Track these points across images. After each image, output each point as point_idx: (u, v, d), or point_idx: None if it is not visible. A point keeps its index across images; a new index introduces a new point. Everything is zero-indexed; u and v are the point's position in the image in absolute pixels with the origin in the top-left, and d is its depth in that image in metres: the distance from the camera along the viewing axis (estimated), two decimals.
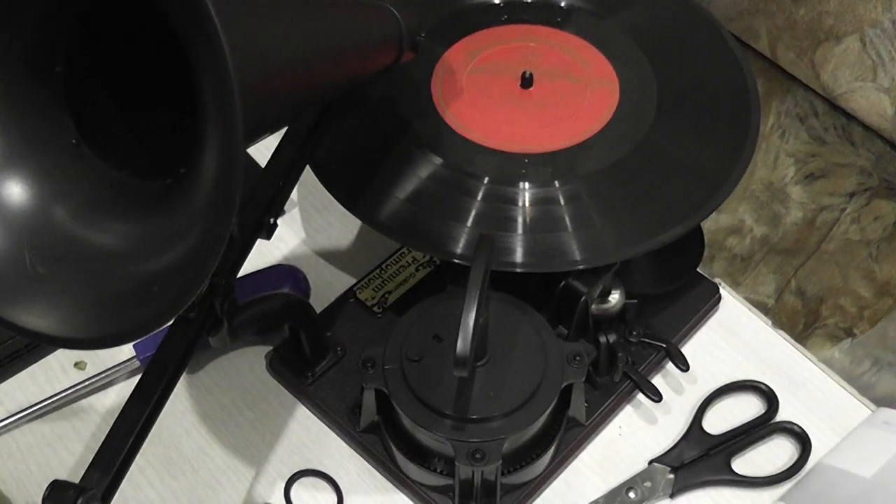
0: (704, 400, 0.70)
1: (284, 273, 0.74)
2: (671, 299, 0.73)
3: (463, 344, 0.56)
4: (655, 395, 0.68)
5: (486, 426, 0.61)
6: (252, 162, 0.77)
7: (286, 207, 0.80)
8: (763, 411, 0.69)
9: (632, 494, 0.66)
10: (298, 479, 0.67)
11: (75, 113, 0.51)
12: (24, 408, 0.69)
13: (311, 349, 0.69)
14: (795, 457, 0.67)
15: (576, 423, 0.67)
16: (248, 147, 0.52)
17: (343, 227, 0.80)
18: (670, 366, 0.71)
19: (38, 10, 0.47)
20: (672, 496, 0.66)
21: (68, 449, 0.68)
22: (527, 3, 0.77)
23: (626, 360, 0.69)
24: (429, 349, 0.63)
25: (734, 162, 0.69)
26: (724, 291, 0.75)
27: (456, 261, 0.65)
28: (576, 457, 0.68)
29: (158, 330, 0.51)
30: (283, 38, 0.48)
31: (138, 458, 0.66)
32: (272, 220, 0.64)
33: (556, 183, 0.68)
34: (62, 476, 0.62)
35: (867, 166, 1.14)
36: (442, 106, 0.72)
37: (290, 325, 0.68)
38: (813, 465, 0.67)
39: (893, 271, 1.14)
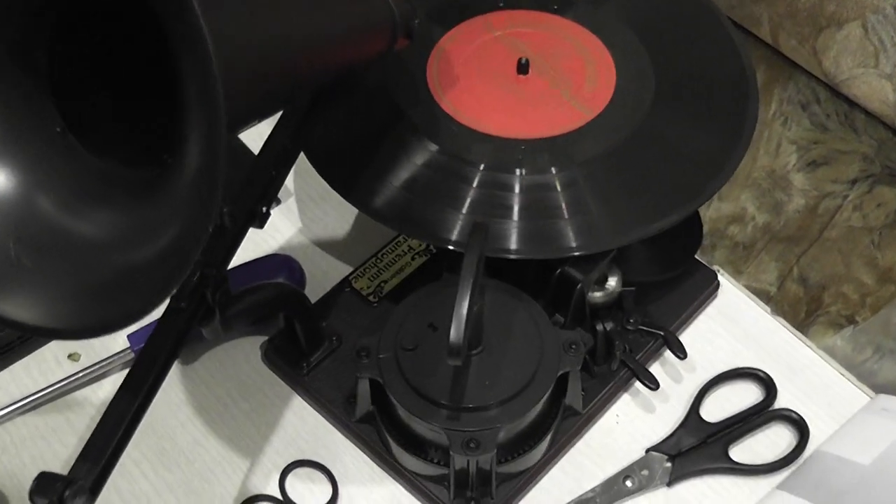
0: (702, 388, 0.69)
1: (279, 263, 0.74)
2: (669, 287, 0.72)
3: (456, 332, 0.55)
4: (652, 384, 0.67)
5: (482, 415, 0.60)
6: (245, 150, 0.77)
7: (282, 197, 0.80)
8: (761, 399, 0.69)
9: (629, 483, 0.65)
10: (293, 469, 0.67)
11: (60, 102, 0.50)
12: (17, 400, 0.69)
13: (307, 339, 0.69)
14: (794, 444, 0.67)
15: (572, 412, 0.67)
16: (233, 135, 0.51)
17: (339, 216, 0.79)
18: (668, 354, 0.70)
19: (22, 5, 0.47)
20: (669, 484, 0.66)
21: (62, 441, 0.68)
22: None
23: (624, 348, 0.68)
24: (424, 338, 0.62)
25: (732, 149, 0.69)
26: (723, 279, 0.75)
27: (451, 248, 0.65)
28: (573, 445, 0.68)
29: (149, 321, 0.51)
30: (268, 26, 0.47)
31: (132, 451, 0.66)
32: (265, 209, 0.63)
33: (553, 169, 0.67)
34: (57, 469, 0.61)
35: (869, 153, 1.13)
36: (438, 92, 0.71)
37: (284, 315, 0.68)
38: (811, 452, 0.66)
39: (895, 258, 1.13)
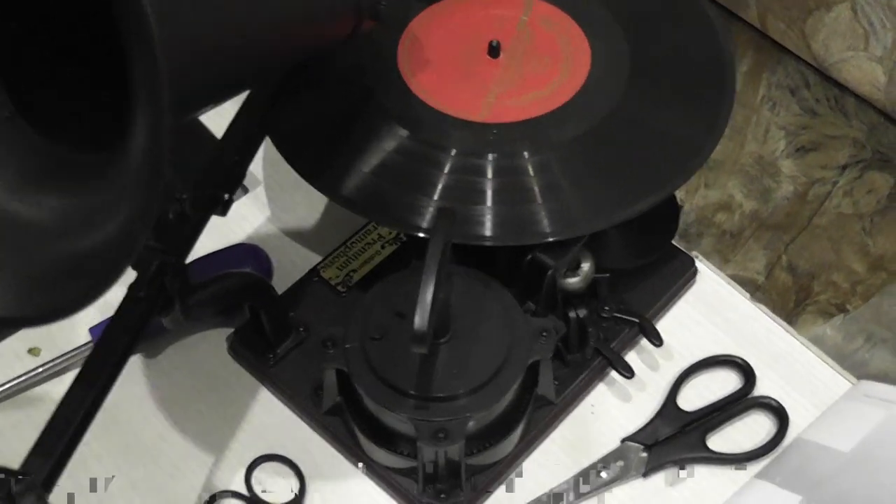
0: (679, 376, 0.69)
1: (246, 252, 0.74)
2: (646, 273, 0.73)
3: (420, 319, 0.55)
4: (627, 372, 0.67)
5: (450, 405, 0.60)
6: (208, 135, 0.77)
7: (250, 186, 0.80)
8: (740, 387, 0.69)
9: (604, 474, 0.66)
10: (260, 464, 0.67)
11: (9, 85, 0.50)
12: None
13: (273, 330, 0.69)
14: (773, 433, 0.67)
15: (545, 402, 0.67)
16: (185, 119, 0.51)
17: (309, 205, 0.79)
18: (645, 342, 0.71)
19: None
20: (645, 475, 0.66)
21: (22, 438, 0.67)
22: None
23: (598, 335, 0.68)
24: (391, 327, 0.62)
25: (709, 131, 0.69)
26: (701, 265, 0.75)
27: (422, 235, 0.64)
28: (546, 437, 0.68)
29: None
30: (217, 4, 0.47)
31: (94, 446, 0.66)
32: (227, 196, 0.63)
33: (525, 153, 0.67)
34: (16, 466, 0.61)
35: (860, 138, 1.13)
36: (409, 76, 0.71)
37: (249, 305, 0.68)
38: (792, 440, 0.66)
39: (887, 245, 1.13)
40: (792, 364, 0.71)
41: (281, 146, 0.69)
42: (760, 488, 0.63)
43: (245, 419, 0.69)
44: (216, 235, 0.76)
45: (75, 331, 0.71)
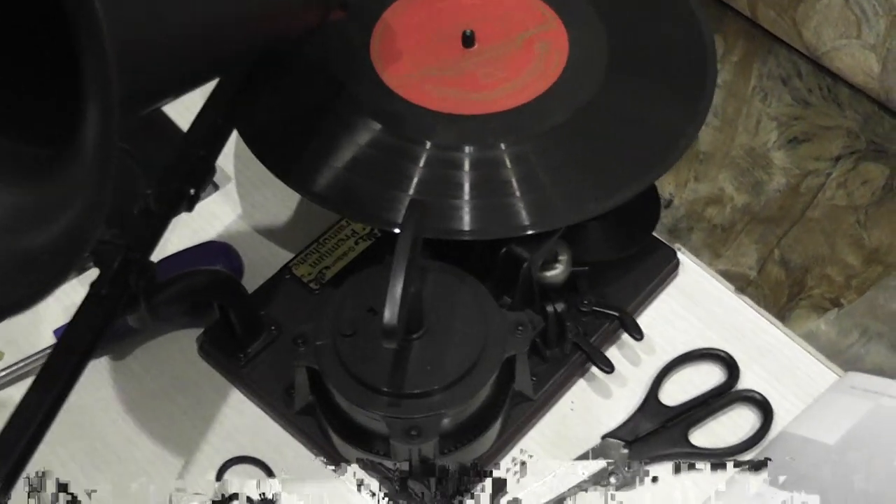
0: (661, 370, 0.70)
1: (216, 250, 0.74)
2: (626, 266, 0.73)
3: (390, 313, 0.56)
4: (607, 367, 0.68)
5: (424, 402, 0.61)
6: (174, 128, 0.77)
7: (220, 182, 0.80)
8: (723, 380, 0.69)
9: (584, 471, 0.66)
10: (231, 466, 0.67)
11: None
12: None
13: (243, 329, 0.69)
14: (757, 427, 0.67)
15: (523, 398, 0.67)
16: (138, 113, 0.52)
17: (281, 202, 0.79)
18: (627, 336, 0.71)
19: None
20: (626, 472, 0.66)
21: None
22: None
23: (577, 330, 0.69)
24: (363, 323, 0.63)
25: (690, 119, 0.69)
26: (684, 257, 0.75)
27: (398, 231, 0.65)
28: (525, 434, 0.68)
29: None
30: None
31: (60, 451, 0.67)
32: (193, 192, 0.64)
33: (502, 145, 0.67)
34: None
35: (854, 128, 1.14)
36: (381, 67, 0.71)
37: (218, 303, 0.68)
38: (776, 434, 0.67)
39: (883, 237, 1.13)
40: (777, 357, 0.71)
41: (250, 141, 0.70)
42: (743, 483, 0.64)
43: (216, 421, 0.69)
44: (186, 233, 0.77)
45: (40, 333, 0.71)
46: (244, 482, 0.66)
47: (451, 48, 0.72)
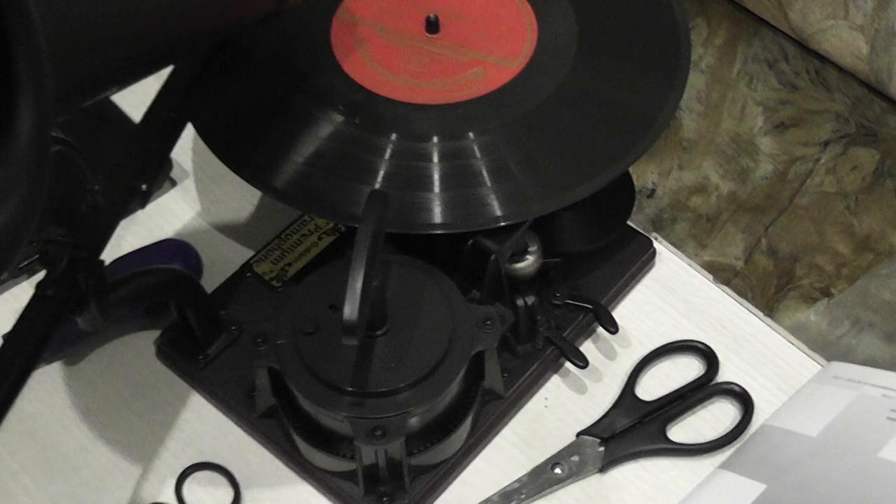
0: (638, 364, 0.70)
1: (173, 249, 0.74)
2: (600, 257, 0.73)
3: (350, 309, 0.56)
4: (581, 361, 0.68)
5: (388, 401, 0.61)
6: (126, 120, 0.77)
7: (178, 178, 0.80)
8: (702, 373, 0.70)
9: (558, 470, 0.66)
10: (192, 473, 0.67)
11: None
12: None
13: (202, 330, 0.69)
14: (738, 420, 0.68)
15: (494, 396, 0.68)
16: (78, 105, 0.52)
17: (241, 197, 0.80)
18: (602, 329, 0.71)
19: None
20: (602, 470, 0.66)
21: None
22: None
23: (549, 324, 0.69)
24: (325, 320, 0.63)
25: (664, 101, 0.70)
26: (660, 246, 0.76)
27: None
28: (497, 433, 0.68)
29: None
30: None
31: (10, 462, 0.67)
32: (146, 187, 0.64)
33: (471, 134, 0.68)
34: None
35: (843, 111, 1.14)
36: (342, 55, 0.71)
37: (175, 303, 0.68)
38: (757, 427, 0.67)
39: (874, 224, 1.14)
40: (757, 347, 0.72)
41: (205, 134, 0.70)
42: (722, 479, 0.64)
43: (175, 426, 0.69)
44: (142, 231, 0.77)
45: None
46: (206, 489, 0.67)
47: (415, 34, 0.72)
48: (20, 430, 0.67)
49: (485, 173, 0.67)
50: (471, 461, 0.67)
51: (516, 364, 0.69)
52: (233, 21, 0.63)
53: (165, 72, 0.66)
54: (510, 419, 0.69)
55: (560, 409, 0.69)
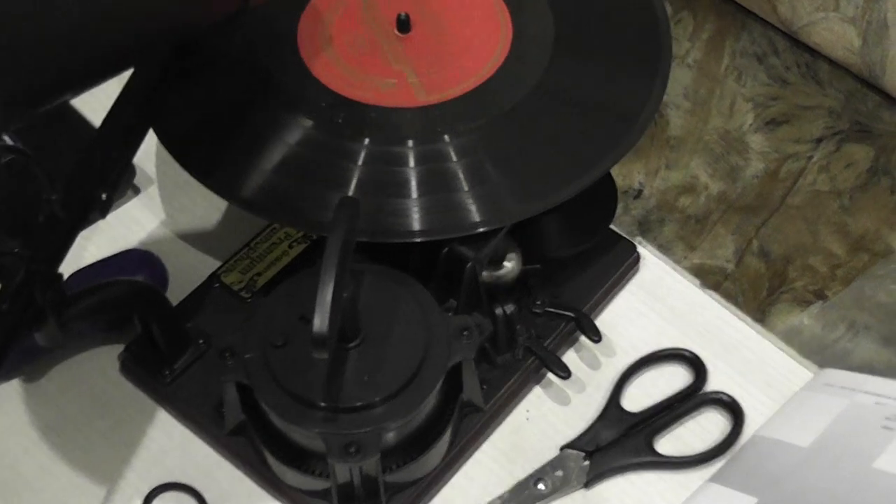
0: (623, 374, 0.70)
1: (137, 259, 0.74)
2: (582, 262, 0.73)
3: (320, 321, 0.56)
4: (563, 372, 0.68)
5: (363, 415, 0.60)
6: (87, 127, 0.77)
7: (142, 185, 0.80)
8: (690, 382, 0.70)
9: (541, 486, 0.66)
10: (159, 494, 0.67)
11: None
12: None
13: (167, 344, 0.69)
14: (727, 431, 0.68)
15: (473, 409, 0.67)
16: (29, 114, 0.51)
17: (208, 205, 0.79)
18: (585, 338, 0.71)
19: None
20: (587, 485, 0.66)
21: None
22: None
23: (530, 333, 0.69)
24: (295, 332, 0.63)
25: (645, 98, 0.70)
26: (645, 250, 0.75)
27: None
28: (477, 447, 0.68)
29: None
30: None
31: None
32: (105, 196, 0.63)
33: (446, 137, 0.68)
34: None
35: (836, 107, 1.15)
36: (310, 58, 0.71)
37: (139, 316, 0.68)
38: (748, 438, 0.67)
39: (869, 223, 1.14)
40: (746, 355, 0.72)
41: (167, 141, 0.69)
42: (712, 492, 0.64)
43: (141, 445, 0.69)
44: (104, 241, 0.76)
45: None
46: None
47: (386, 34, 0.72)
48: None
49: (461, 177, 0.67)
50: (450, 477, 0.67)
51: (496, 375, 0.68)
52: (193, 22, 0.63)
53: (127, 74, 0.66)
54: (490, 433, 0.69)
55: (542, 421, 0.69)
